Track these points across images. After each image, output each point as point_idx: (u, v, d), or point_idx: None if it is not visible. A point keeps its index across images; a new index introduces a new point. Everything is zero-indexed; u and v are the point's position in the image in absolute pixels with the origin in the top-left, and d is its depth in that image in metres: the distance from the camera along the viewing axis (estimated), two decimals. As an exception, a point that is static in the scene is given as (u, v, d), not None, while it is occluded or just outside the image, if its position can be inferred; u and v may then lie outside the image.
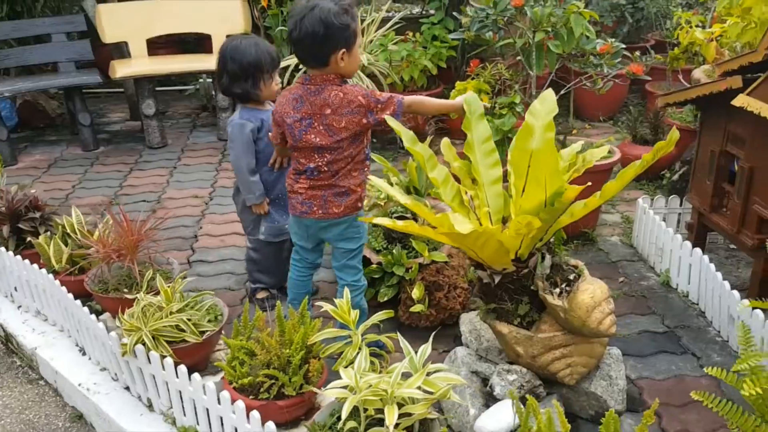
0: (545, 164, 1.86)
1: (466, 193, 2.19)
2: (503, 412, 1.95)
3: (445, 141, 2.34)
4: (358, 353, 1.83)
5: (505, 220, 2.11)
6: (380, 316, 2.02)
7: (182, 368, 2.05)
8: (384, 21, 4.82)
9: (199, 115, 5.77)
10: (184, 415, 2.13)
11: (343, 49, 2.07)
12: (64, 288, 2.52)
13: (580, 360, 2.08)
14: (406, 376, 1.80)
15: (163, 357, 2.11)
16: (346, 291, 2.06)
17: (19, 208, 2.95)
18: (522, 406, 1.66)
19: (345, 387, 1.75)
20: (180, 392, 2.10)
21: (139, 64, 4.93)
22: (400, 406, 1.73)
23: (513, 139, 2.02)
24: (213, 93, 5.34)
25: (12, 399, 2.54)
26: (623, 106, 5.21)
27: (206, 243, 3.48)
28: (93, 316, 2.36)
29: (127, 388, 2.36)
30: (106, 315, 2.62)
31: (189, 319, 2.22)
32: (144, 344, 2.15)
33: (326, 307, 1.94)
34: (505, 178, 2.14)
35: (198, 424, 2.11)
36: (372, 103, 2.12)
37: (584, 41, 3.15)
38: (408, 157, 2.89)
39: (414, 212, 2.21)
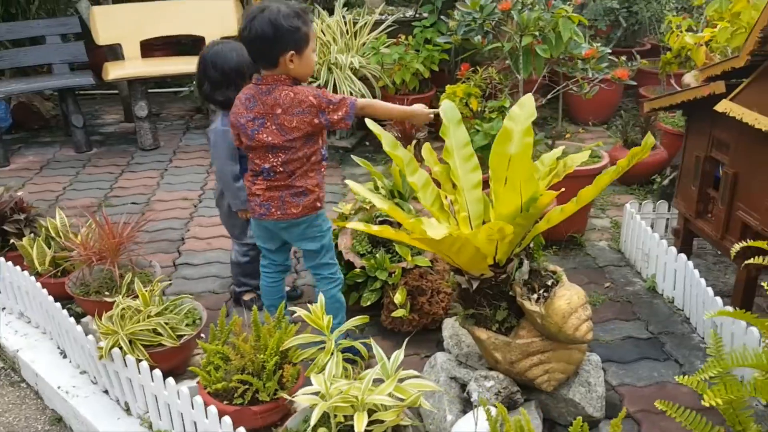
0: (520, 169, 1.85)
1: (446, 197, 2.18)
2: (480, 419, 1.94)
3: (426, 145, 2.33)
4: (329, 359, 1.82)
5: (486, 225, 2.10)
6: (355, 321, 2.01)
7: (157, 372, 2.04)
8: (377, 24, 4.81)
9: (192, 117, 5.77)
10: (160, 419, 2.13)
11: (292, 51, 2.09)
12: (45, 290, 2.51)
13: (558, 366, 2.07)
14: (379, 382, 1.79)
15: (139, 361, 2.10)
16: (321, 297, 2.06)
17: (5, 209, 2.96)
18: (492, 413, 1.65)
19: (316, 393, 1.74)
20: (155, 396, 2.10)
21: (131, 66, 4.94)
22: (372, 412, 1.72)
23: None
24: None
25: (-8, 401, 2.54)
26: (618, 110, 5.19)
27: (193, 246, 3.47)
28: (72, 319, 2.35)
29: (106, 392, 2.35)
30: (89, 318, 2.62)
31: (167, 323, 2.21)
32: (121, 348, 2.14)
33: (300, 312, 1.93)
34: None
35: (173, 428, 2.10)
36: (323, 103, 2.14)
37: (572, 45, 3.14)
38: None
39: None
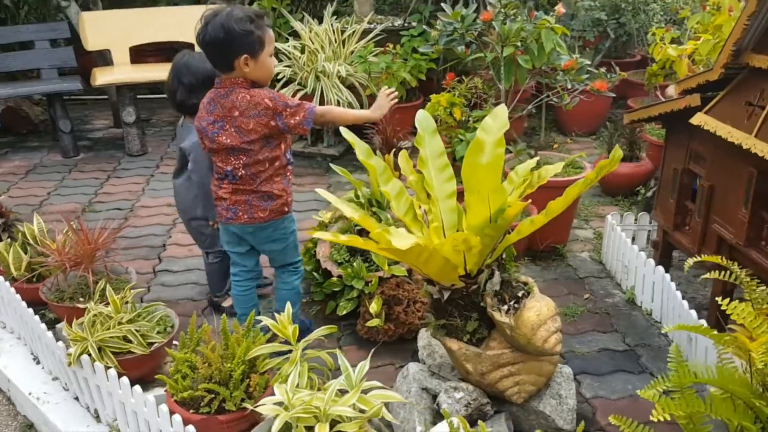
0: (488, 180, 1.85)
1: (420, 207, 2.17)
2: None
3: (403, 153, 2.32)
4: (293, 369, 1.81)
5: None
6: (322, 331, 2.00)
7: (124, 380, 2.03)
8: (365, 32, 4.82)
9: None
10: (128, 426, 2.11)
11: (246, 55, 2.11)
12: (18, 295, 2.50)
13: (528, 378, 2.06)
14: (344, 393, 1.77)
15: (108, 368, 2.09)
16: (288, 306, 2.05)
17: (-17, 214, 2.95)
18: (455, 424, 1.64)
19: (280, 404, 1.73)
20: (123, 404, 2.08)
21: (119, 72, 4.93)
22: (336, 423, 1.71)
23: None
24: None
25: (-37, 408, 2.52)
26: (608, 120, 5.20)
27: (174, 252, 3.46)
28: (44, 325, 2.34)
29: (77, 399, 2.34)
30: (63, 324, 2.60)
31: (137, 330, 2.20)
32: (90, 355, 2.12)
33: (266, 321, 1.92)
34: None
35: (141, 436, 2.08)
36: (279, 106, 2.15)
37: (555, 56, 3.14)
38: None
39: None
